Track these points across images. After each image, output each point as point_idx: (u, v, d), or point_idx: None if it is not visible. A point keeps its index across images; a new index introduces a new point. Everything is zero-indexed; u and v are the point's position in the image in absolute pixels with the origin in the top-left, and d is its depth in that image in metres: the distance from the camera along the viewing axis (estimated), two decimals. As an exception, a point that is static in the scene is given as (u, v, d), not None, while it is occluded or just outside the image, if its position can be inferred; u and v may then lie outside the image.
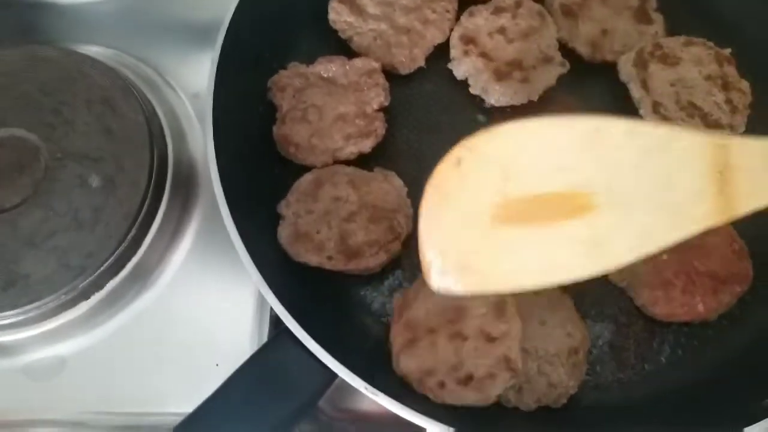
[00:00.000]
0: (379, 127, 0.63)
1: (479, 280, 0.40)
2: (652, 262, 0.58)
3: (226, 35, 0.60)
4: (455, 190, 0.41)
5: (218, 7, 0.63)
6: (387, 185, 0.62)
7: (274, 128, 0.65)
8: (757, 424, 0.47)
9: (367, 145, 0.63)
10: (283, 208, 0.61)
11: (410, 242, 0.61)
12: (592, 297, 0.59)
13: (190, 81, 0.74)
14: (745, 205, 0.36)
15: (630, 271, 0.58)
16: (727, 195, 0.36)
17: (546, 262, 0.39)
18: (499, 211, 0.39)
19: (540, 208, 0.39)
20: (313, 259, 0.58)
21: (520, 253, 0.39)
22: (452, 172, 0.40)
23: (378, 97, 0.64)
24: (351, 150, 0.63)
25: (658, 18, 0.69)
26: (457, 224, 0.40)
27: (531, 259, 0.39)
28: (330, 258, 0.58)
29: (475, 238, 0.40)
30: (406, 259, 0.62)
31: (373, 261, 0.59)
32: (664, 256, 0.58)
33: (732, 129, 0.63)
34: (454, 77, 0.67)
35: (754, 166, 0.35)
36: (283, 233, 0.60)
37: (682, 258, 0.58)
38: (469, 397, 0.50)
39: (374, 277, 0.61)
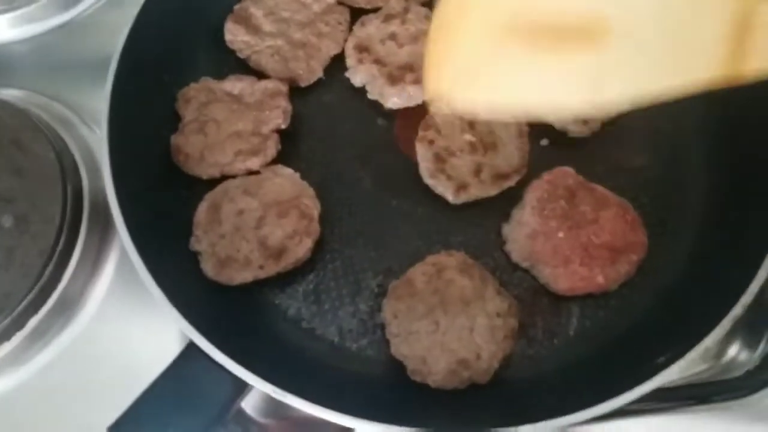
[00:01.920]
0: (271, 147, 0.64)
1: (480, 93, 0.41)
2: (550, 241, 0.60)
3: (118, 65, 0.62)
4: (467, 7, 0.41)
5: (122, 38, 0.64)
6: (279, 179, 0.63)
7: (172, 137, 0.66)
8: (650, 380, 0.50)
9: (255, 163, 0.64)
10: (195, 245, 0.61)
11: (324, 220, 0.63)
12: (497, 279, 0.61)
13: (100, 114, 0.74)
14: (756, 64, 0.35)
15: (530, 251, 0.61)
16: (742, 49, 0.35)
17: (545, 88, 0.39)
18: (509, 32, 0.39)
19: (550, 34, 0.38)
20: (247, 276, 0.59)
21: (522, 73, 0.40)
22: None
23: (276, 119, 0.65)
24: (239, 167, 0.64)
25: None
26: (466, 38, 0.41)
27: (532, 81, 0.39)
28: (262, 267, 0.59)
29: (482, 52, 0.40)
30: (319, 261, 0.64)
31: (301, 250, 0.60)
32: (561, 234, 0.60)
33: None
34: (352, 85, 0.69)
35: None
36: (208, 267, 0.60)
37: (579, 234, 0.60)
38: None
39: (288, 284, 0.62)
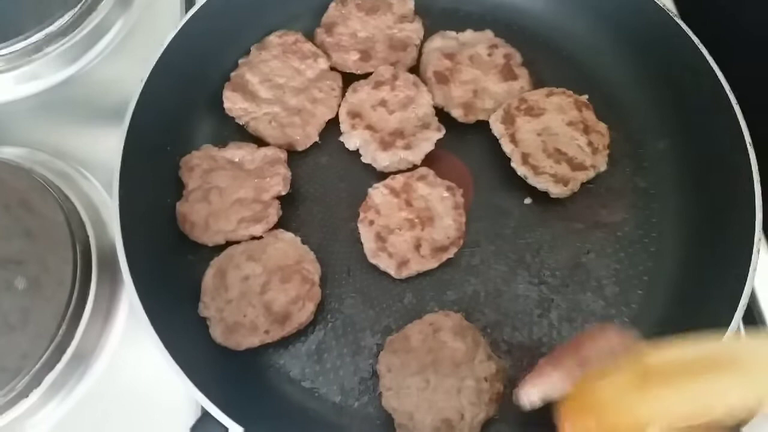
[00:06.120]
0: (272, 214, 0.67)
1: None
2: None
3: (126, 136, 0.64)
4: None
5: (120, 97, 0.67)
6: (281, 244, 0.67)
7: (177, 204, 0.69)
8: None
9: (258, 230, 0.67)
10: (203, 311, 0.65)
11: (324, 281, 0.67)
12: (488, 337, 0.65)
13: (102, 169, 0.77)
14: None
15: None
16: None
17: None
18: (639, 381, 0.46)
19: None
20: (254, 341, 0.62)
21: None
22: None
23: (277, 186, 0.68)
24: (242, 233, 0.67)
25: (522, 73, 0.76)
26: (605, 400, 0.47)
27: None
28: (267, 332, 0.63)
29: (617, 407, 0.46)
30: (320, 321, 0.67)
31: (303, 315, 0.63)
32: None
33: (594, 168, 0.71)
34: (346, 148, 0.73)
35: None
36: (216, 333, 0.63)
37: None
38: None
39: (291, 344, 0.66)
